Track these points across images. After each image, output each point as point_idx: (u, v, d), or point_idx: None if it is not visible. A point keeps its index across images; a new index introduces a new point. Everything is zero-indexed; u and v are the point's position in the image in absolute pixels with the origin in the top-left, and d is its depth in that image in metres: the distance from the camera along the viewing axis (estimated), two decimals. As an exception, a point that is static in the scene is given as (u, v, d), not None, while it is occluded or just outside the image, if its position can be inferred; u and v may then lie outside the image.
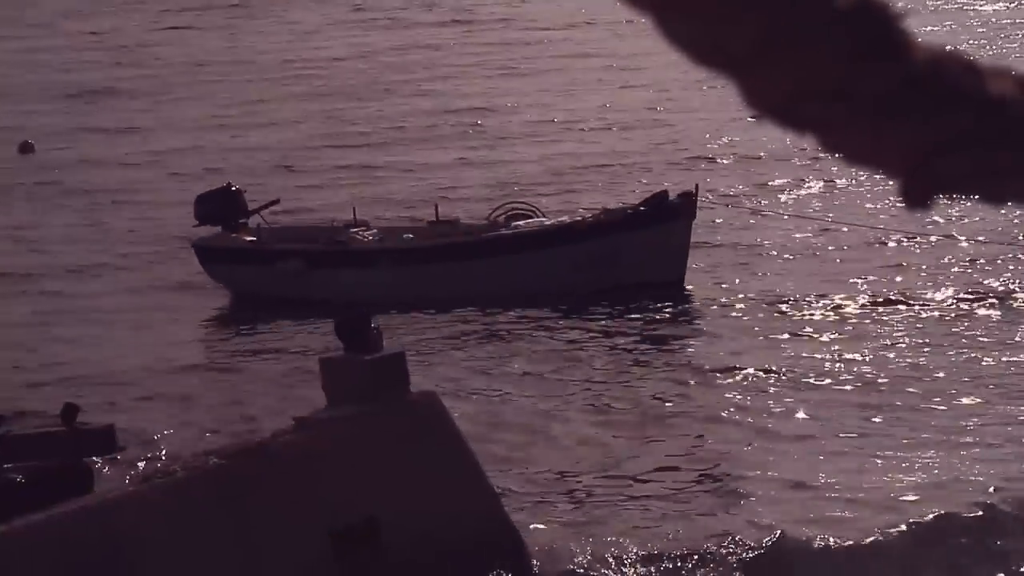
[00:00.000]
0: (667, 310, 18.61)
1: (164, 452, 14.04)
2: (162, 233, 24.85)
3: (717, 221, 21.74)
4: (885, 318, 17.63)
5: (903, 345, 16.65)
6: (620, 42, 41.16)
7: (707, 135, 29.02)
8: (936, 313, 17.69)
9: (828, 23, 1.43)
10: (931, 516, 11.97)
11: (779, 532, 11.75)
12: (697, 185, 20.00)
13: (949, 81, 1.45)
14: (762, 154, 27.17)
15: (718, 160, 26.86)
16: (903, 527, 11.86)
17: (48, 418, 13.23)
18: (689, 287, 19.28)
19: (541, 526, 12.25)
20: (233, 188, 21.90)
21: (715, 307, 18.64)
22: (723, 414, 14.89)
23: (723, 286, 19.33)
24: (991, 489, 12.48)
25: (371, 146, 31.86)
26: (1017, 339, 16.64)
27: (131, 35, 49.45)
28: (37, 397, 16.20)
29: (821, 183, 24.50)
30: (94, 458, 11.49)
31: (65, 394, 14.83)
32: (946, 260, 19.80)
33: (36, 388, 16.92)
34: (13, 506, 9.74)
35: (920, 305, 18.00)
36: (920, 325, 17.29)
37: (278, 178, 28.40)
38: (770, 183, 24.96)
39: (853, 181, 23.85)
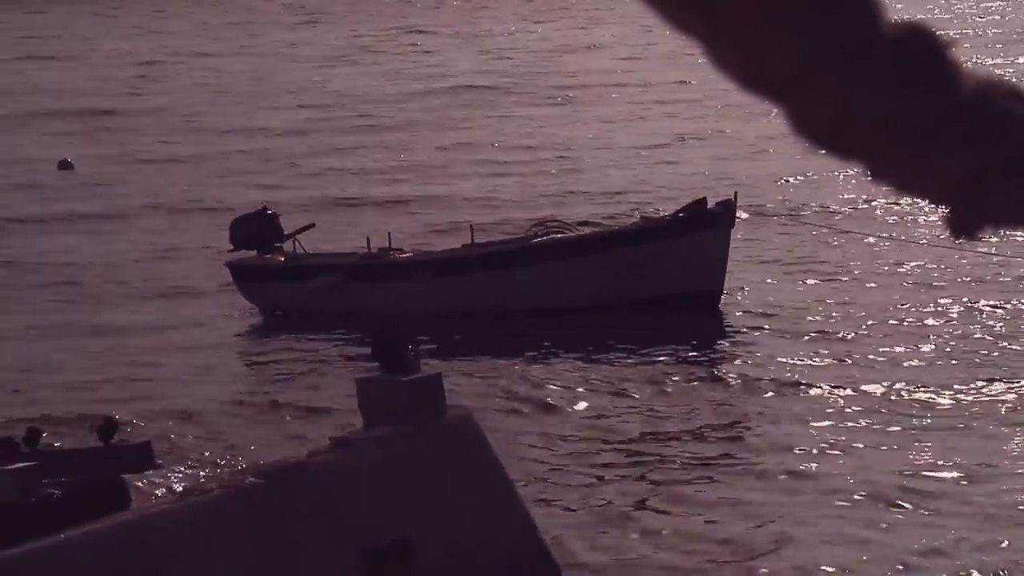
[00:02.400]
0: (705, 320, 18.51)
1: (200, 470, 14.06)
2: (198, 255, 24.98)
3: (757, 231, 21.68)
4: (931, 335, 17.51)
5: (947, 364, 16.50)
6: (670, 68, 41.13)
7: (757, 152, 28.98)
8: (986, 334, 17.51)
9: (875, 49, 1.42)
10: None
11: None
12: (736, 192, 19.88)
13: (996, 109, 1.44)
14: (810, 173, 27.11)
15: (764, 176, 26.77)
16: None
17: (86, 434, 13.28)
18: (727, 297, 19.18)
19: (575, 548, 12.22)
20: (269, 212, 21.93)
21: (754, 318, 18.54)
22: (767, 430, 14.83)
23: (762, 297, 19.24)
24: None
25: (409, 176, 31.93)
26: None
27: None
28: (75, 413, 16.26)
29: (870, 198, 24.42)
30: (130, 474, 11.51)
31: (103, 410, 14.89)
32: (998, 276, 19.70)
33: (74, 404, 16.97)
34: (50, 521, 9.77)
35: (966, 323, 17.85)
36: (968, 347, 17.12)
37: (313, 204, 28.51)
38: (816, 198, 24.89)
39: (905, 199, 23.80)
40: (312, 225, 22.53)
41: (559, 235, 20.48)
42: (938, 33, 1.43)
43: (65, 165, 33.65)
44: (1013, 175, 1.47)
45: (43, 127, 38.41)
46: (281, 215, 22.09)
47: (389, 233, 22.15)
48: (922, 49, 1.43)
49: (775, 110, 1.45)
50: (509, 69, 45.79)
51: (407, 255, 21.08)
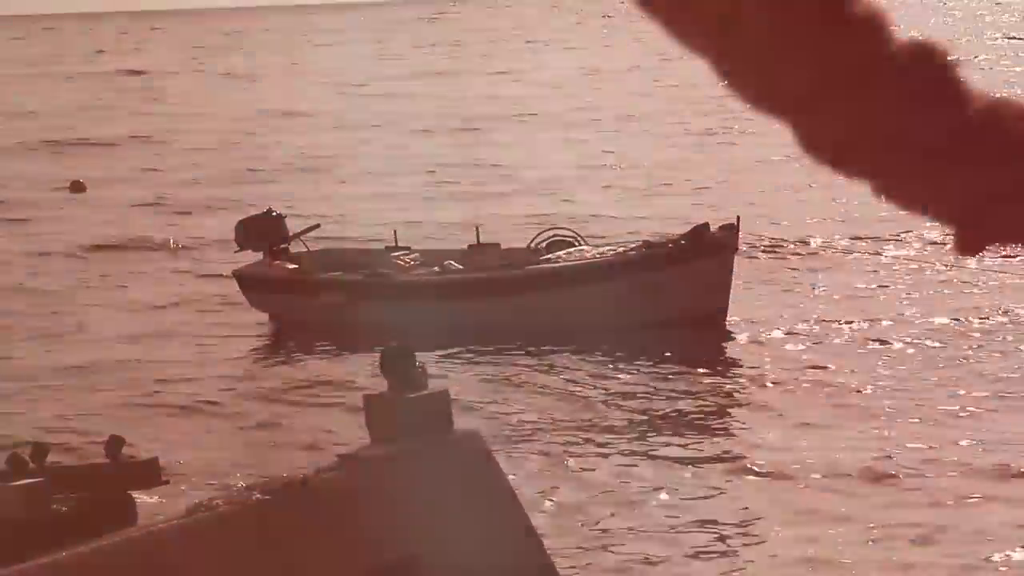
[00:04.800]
0: (708, 345, 18.55)
1: (207, 486, 14.06)
2: (204, 260, 25.05)
3: (761, 254, 21.71)
4: (939, 354, 17.46)
5: (955, 385, 16.46)
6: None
7: (762, 168, 29.02)
8: (997, 352, 17.45)
9: (884, 68, 1.43)
10: None
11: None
12: (739, 217, 19.91)
13: (1005, 129, 1.45)
14: (812, 185, 27.12)
15: (766, 193, 26.82)
16: None
17: (93, 450, 13.30)
18: (731, 321, 19.19)
19: (581, 566, 12.21)
20: (274, 213, 22.10)
21: (756, 342, 18.55)
22: (764, 454, 14.82)
23: (766, 320, 19.26)
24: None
25: (412, 172, 32.00)
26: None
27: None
28: (82, 429, 16.27)
29: (871, 220, 24.44)
30: (137, 490, 11.49)
31: (110, 426, 14.89)
32: (1007, 294, 19.68)
33: (81, 420, 16.99)
34: (56, 537, 9.76)
35: (978, 342, 17.78)
36: (977, 363, 17.07)
37: (317, 203, 28.62)
38: (823, 217, 24.89)
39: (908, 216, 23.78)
40: (317, 225, 22.68)
41: (563, 253, 20.48)
42: (948, 51, 1.44)
43: (77, 186, 33.70)
44: (1021, 195, 1.47)
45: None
46: (286, 216, 22.21)
47: (395, 231, 22.24)
48: (932, 67, 1.43)
49: (783, 128, 1.46)
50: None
51: (413, 258, 21.13)
